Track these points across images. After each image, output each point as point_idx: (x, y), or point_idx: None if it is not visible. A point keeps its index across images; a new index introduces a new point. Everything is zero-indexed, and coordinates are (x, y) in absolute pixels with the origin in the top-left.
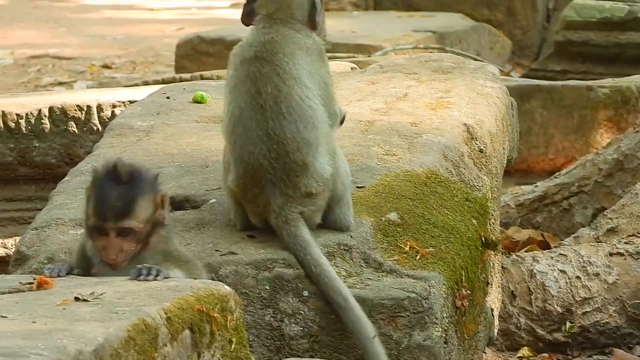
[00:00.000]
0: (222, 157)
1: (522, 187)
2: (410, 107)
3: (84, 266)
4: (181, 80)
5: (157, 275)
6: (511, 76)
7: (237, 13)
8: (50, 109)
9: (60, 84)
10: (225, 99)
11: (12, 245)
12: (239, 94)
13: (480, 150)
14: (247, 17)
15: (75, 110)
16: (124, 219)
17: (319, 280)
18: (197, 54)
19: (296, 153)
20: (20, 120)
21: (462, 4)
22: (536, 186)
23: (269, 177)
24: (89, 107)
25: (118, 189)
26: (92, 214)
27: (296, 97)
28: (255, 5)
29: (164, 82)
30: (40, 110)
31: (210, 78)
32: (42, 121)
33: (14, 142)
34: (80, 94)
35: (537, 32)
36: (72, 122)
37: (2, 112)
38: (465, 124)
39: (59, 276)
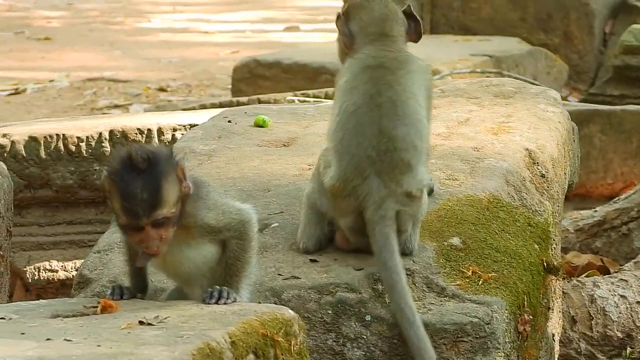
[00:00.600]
0: (312, 174)
1: (581, 212)
2: (472, 131)
3: (134, 258)
4: (239, 103)
5: (227, 299)
6: (569, 101)
7: (292, 36)
8: (111, 132)
9: (116, 106)
10: (337, 101)
11: (72, 268)
12: (357, 93)
13: (542, 175)
14: (349, 41)
15: (136, 133)
16: (156, 211)
17: (392, 290)
18: (254, 77)
19: (404, 152)
20: (80, 144)
21: (518, 28)
22: (595, 211)
23: (374, 169)
24: (149, 130)
25: (141, 180)
26: (123, 213)
27: (412, 107)
28: (354, 28)
29: (221, 105)
30: (100, 134)
31: (268, 101)
32: (103, 144)
33: (74, 165)
34: (140, 117)
35: (593, 56)
36: None
37: (63, 135)
38: (527, 149)
39: (122, 298)
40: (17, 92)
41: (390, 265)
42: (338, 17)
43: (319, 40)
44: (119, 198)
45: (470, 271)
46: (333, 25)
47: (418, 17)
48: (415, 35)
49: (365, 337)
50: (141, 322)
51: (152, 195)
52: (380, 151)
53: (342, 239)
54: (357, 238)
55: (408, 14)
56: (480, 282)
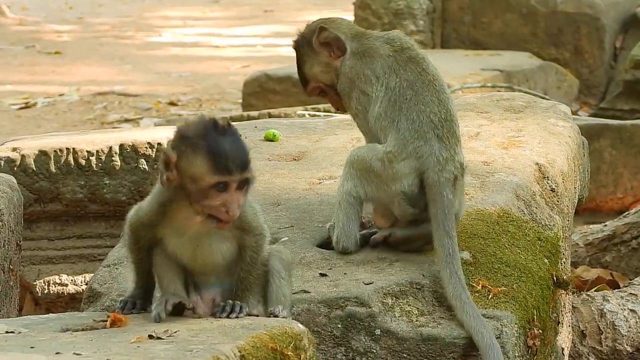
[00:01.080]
0: (345, 174)
1: (591, 226)
2: (482, 145)
3: (149, 245)
4: (249, 118)
5: (239, 312)
6: (579, 115)
7: None
8: (121, 146)
9: (127, 120)
10: (372, 84)
11: (82, 282)
12: (403, 72)
13: (552, 190)
14: (339, 49)
15: (146, 147)
16: (246, 169)
17: (450, 259)
18: (264, 92)
19: (456, 125)
20: (90, 158)
21: (529, 42)
22: (605, 225)
23: (435, 133)
24: (159, 144)
25: (230, 141)
26: (215, 170)
27: (447, 89)
28: (337, 34)
29: (232, 119)
30: (111, 148)
31: (278, 116)
32: (113, 158)
33: (84, 179)
34: (151, 131)
35: (604, 71)
36: (143, 160)
37: (73, 149)
38: (537, 163)
39: (132, 312)
40: (27, 106)
41: (452, 234)
42: (321, 29)
43: None
44: (209, 157)
45: (480, 285)
46: None
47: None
48: None
49: (375, 351)
50: (151, 336)
51: (243, 153)
52: (441, 118)
53: (381, 217)
54: (403, 208)
55: None
56: (490, 296)
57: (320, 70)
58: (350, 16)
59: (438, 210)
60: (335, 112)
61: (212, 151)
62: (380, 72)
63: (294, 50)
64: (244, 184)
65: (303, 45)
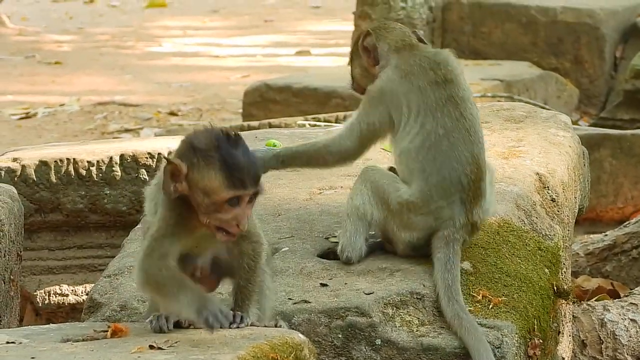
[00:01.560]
0: (359, 189)
1: (592, 235)
2: None
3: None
4: (250, 128)
5: (240, 323)
6: (579, 125)
7: (302, 60)
8: (122, 156)
9: (127, 130)
10: (411, 115)
11: (82, 293)
12: (441, 116)
13: (553, 200)
14: (374, 59)
15: (147, 157)
16: (258, 182)
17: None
18: (265, 102)
19: (484, 181)
20: (91, 168)
21: (529, 52)
22: (605, 235)
23: (460, 196)
24: (160, 154)
25: (243, 153)
26: (230, 185)
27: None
28: (379, 44)
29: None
30: (111, 158)
31: (279, 126)
32: (113, 168)
33: (85, 189)
34: (151, 141)
35: (604, 80)
36: (143, 170)
37: (73, 159)
38: (537, 173)
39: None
40: (27, 116)
41: (454, 295)
42: (367, 34)
43: (329, 65)
44: (223, 171)
45: (481, 295)
46: (343, 49)
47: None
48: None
49: None
50: (151, 347)
51: (256, 166)
52: (471, 180)
53: (388, 242)
54: (409, 251)
55: None
56: (491, 306)
57: (359, 73)
58: (350, 26)
59: (441, 266)
60: (335, 122)
61: (227, 165)
62: (415, 106)
63: None
64: (255, 196)
65: (356, 43)
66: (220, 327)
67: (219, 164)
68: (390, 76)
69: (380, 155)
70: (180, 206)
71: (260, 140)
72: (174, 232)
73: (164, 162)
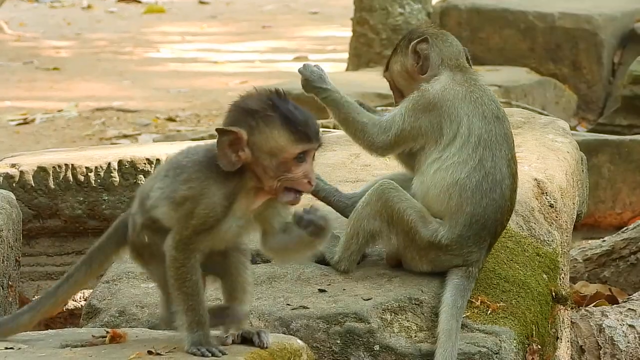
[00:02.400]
0: (373, 210)
1: (590, 241)
2: None
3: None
4: None
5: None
6: (578, 130)
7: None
8: (120, 162)
9: (125, 136)
10: (474, 148)
11: (81, 298)
12: (499, 155)
13: (551, 205)
14: (422, 68)
15: (145, 163)
16: (320, 135)
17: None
18: None
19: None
20: (89, 174)
21: (527, 58)
22: (604, 241)
23: (491, 241)
24: (158, 160)
25: (297, 108)
26: (297, 140)
27: None
28: (431, 54)
29: None
30: (109, 164)
31: None
32: (112, 174)
33: (83, 195)
34: (149, 147)
35: (602, 86)
36: (142, 175)
37: (72, 165)
38: (535, 179)
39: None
40: (25, 122)
41: (458, 316)
42: (424, 40)
43: (327, 70)
44: (288, 127)
45: (479, 301)
46: (341, 55)
47: None
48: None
49: None
50: (150, 352)
51: (314, 119)
52: (502, 227)
53: (394, 262)
54: (414, 271)
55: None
56: (489, 311)
57: (398, 70)
58: (348, 32)
59: (451, 295)
60: (334, 128)
61: (289, 121)
62: (477, 134)
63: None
64: (317, 150)
65: (406, 37)
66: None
67: (281, 121)
68: (453, 87)
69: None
70: (234, 182)
71: None
72: (225, 215)
73: (217, 135)
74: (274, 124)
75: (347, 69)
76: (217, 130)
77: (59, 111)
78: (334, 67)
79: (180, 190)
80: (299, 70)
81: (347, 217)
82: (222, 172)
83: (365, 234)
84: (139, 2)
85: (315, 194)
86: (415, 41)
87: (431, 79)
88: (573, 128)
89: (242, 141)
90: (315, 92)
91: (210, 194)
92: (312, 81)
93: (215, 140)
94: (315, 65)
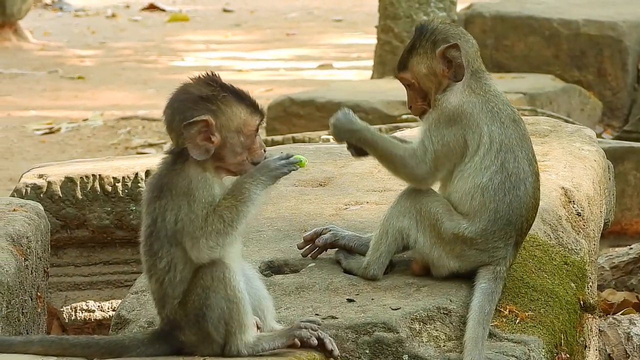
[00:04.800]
0: (402, 208)
1: (617, 249)
2: None
3: None
4: (273, 142)
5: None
6: (603, 138)
7: (325, 74)
8: (147, 172)
9: (150, 145)
10: (495, 154)
11: (109, 308)
12: (521, 156)
13: (578, 214)
14: (452, 74)
15: None
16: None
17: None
18: (288, 116)
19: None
20: (117, 184)
21: (552, 65)
22: (630, 248)
23: (518, 239)
24: None
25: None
26: (255, 112)
27: None
28: (462, 59)
29: None
30: (136, 174)
31: (302, 140)
32: (139, 184)
33: (110, 205)
34: None
35: (627, 93)
36: None
37: (99, 175)
38: (562, 187)
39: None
40: (51, 132)
41: (486, 323)
42: (454, 46)
43: (352, 78)
44: (244, 102)
45: (507, 310)
46: (366, 63)
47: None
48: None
49: None
50: None
51: None
52: (528, 225)
53: (420, 268)
54: (445, 274)
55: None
56: (517, 320)
57: (424, 73)
58: (372, 39)
59: (481, 299)
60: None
61: (241, 97)
62: (498, 140)
63: (415, 30)
64: None
65: (428, 37)
66: None
67: (237, 98)
68: (470, 99)
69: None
70: (209, 170)
71: None
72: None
73: (184, 130)
74: (231, 102)
75: (372, 77)
76: (184, 125)
77: (84, 120)
78: (358, 75)
79: (176, 197)
80: (330, 123)
81: None
82: (190, 163)
83: (394, 231)
84: (163, 10)
85: (336, 242)
86: (444, 46)
87: (455, 85)
88: (599, 135)
89: (211, 127)
90: (347, 137)
91: (196, 176)
92: (341, 127)
93: (184, 136)
94: (340, 111)
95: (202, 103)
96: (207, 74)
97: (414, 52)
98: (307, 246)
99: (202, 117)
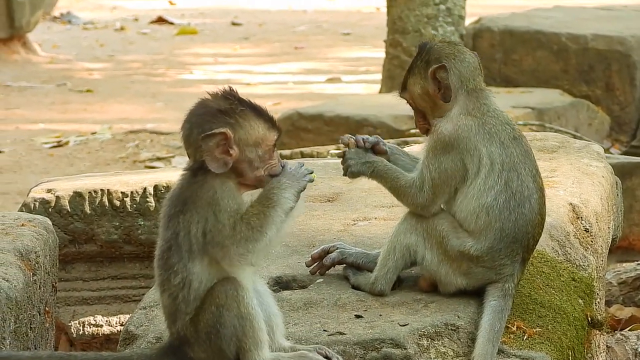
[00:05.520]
0: (409, 226)
1: (624, 264)
2: None
3: None
4: (281, 157)
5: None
6: (611, 152)
7: (333, 87)
8: (155, 187)
9: (159, 159)
10: (498, 174)
11: (117, 323)
12: (524, 173)
13: (586, 230)
14: (443, 95)
15: None
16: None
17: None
18: (296, 130)
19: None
20: (125, 199)
21: (560, 79)
22: (638, 264)
23: (525, 255)
24: None
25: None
26: (272, 127)
27: None
28: (451, 81)
29: None
30: (145, 189)
31: (310, 154)
32: (147, 199)
33: (119, 220)
34: None
35: (635, 108)
36: None
37: (108, 190)
38: (570, 204)
39: None
40: (59, 145)
41: (495, 341)
42: (442, 67)
43: (360, 92)
44: (262, 117)
45: (515, 326)
46: (374, 76)
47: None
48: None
49: None
50: None
51: None
52: (535, 241)
53: (428, 285)
54: (452, 291)
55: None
56: (525, 337)
57: (419, 93)
58: (380, 53)
59: (491, 316)
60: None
61: (259, 112)
62: (499, 161)
63: (418, 47)
64: None
65: (423, 57)
66: None
67: (254, 113)
68: (465, 122)
69: None
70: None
71: None
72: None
73: (202, 142)
74: (249, 117)
75: (380, 91)
76: (202, 137)
77: (93, 134)
78: (366, 89)
79: (201, 209)
80: (342, 163)
81: None
82: (212, 175)
83: (402, 248)
84: (172, 23)
85: (344, 259)
86: (433, 67)
87: (452, 107)
88: (607, 150)
89: (230, 139)
90: (359, 175)
91: (220, 185)
92: (352, 165)
93: (202, 149)
94: (352, 150)
95: (220, 116)
96: (225, 88)
97: (411, 72)
98: (315, 264)
99: (220, 130)
